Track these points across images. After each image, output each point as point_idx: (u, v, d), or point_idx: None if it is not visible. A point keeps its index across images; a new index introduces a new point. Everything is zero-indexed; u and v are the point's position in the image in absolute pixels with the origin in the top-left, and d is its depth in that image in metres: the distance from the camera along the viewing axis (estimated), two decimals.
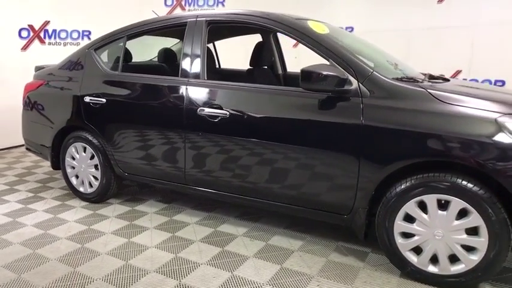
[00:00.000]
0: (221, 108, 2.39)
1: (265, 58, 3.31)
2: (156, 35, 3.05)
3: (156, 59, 3.59)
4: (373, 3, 5.95)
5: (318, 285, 2.02)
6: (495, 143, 1.76)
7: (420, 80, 2.24)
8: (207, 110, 2.43)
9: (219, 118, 2.40)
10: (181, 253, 2.36)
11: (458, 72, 5.38)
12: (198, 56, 2.56)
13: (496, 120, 1.79)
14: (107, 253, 2.37)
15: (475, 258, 1.87)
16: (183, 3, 6.50)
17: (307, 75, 2.02)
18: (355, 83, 2.06)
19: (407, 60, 5.60)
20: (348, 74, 2.07)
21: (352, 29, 6.33)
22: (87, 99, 2.95)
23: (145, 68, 3.31)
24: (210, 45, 3.94)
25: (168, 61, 3.40)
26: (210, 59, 3.18)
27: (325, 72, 2.00)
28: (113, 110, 2.86)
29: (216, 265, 2.22)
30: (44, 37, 5.34)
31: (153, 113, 2.71)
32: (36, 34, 5.26)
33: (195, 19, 2.63)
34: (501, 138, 1.76)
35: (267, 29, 2.46)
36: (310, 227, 2.67)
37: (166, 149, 2.66)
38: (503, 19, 4.77)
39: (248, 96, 2.38)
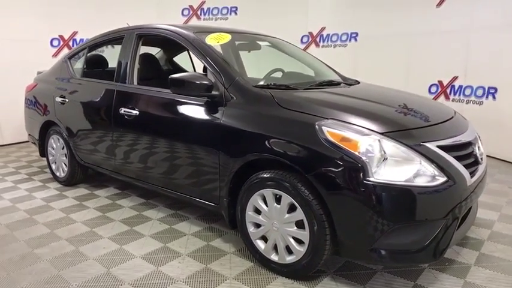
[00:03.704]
0: (134, 109, 2.83)
1: None
2: (114, 45, 3.56)
3: None
4: (375, 10, 5.95)
5: (179, 262, 2.36)
6: (309, 146, 1.95)
7: (294, 87, 2.45)
8: (124, 110, 2.88)
9: (132, 117, 2.83)
10: (96, 228, 2.84)
11: (454, 78, 5.17)
12: (127, 63, 3.02)
13: (315, 124, 1.97)
14: (43, 223, 2.94)
15: (302, 249, 2.07)
16: (198, 13, 7.06)
17: (175, 82, 2.36)
18: (221, 89, 2.36)
19: (407, 65, 5.49)
20: (218, 81, 2.38)
21: (356, 34, 6.38)
22: (58, 99, 3.58)
23: (111, 73, 3.83)
24: (185, 54, 4.40)
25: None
26: (148, 66, 3.61)
27: (196, 81, 2.33)
28: (71, 108, 3.45)
29: (118, 241, 2.66)
30: (72, 45, 6.23)
31: (95, 111, 3.24)
32: (66, 43, 6.17)
33: (130, 32, 3.10)
34: (315, 141, 1.94)
35: (174, 42, 2.80)
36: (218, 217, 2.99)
37: (104, 142, 3.16)
38: (498, 24, 4.52)
39: (149, 99, 2.78)
